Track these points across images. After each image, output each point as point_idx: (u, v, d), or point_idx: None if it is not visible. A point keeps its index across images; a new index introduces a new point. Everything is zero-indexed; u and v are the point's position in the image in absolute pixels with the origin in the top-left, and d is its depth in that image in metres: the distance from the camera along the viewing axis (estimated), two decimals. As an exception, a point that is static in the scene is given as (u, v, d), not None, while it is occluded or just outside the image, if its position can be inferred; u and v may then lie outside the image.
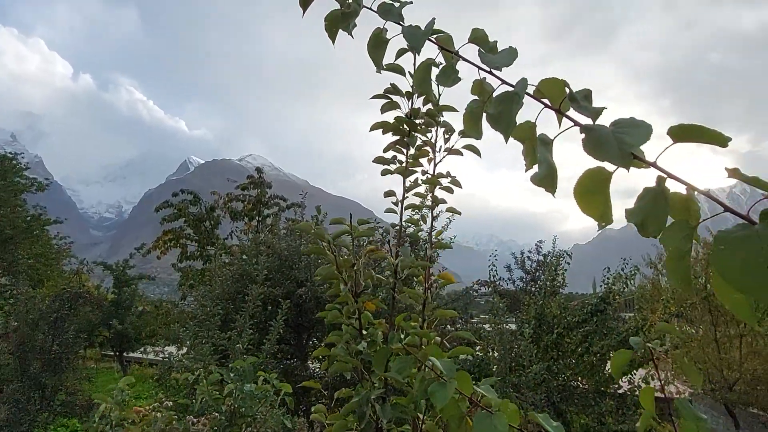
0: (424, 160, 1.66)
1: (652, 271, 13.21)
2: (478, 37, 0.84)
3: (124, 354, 16.88)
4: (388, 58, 1.02)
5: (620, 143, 0.68)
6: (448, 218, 9.13)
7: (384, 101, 1.49)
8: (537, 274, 9.28)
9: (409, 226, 1.66)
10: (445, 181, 1.63)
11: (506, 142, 0.72)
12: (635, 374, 7.72)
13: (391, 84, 1.42)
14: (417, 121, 1.53)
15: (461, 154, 1.60)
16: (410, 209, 1.63)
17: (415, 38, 0.81)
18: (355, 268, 1.46)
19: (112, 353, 17.35)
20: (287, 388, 2.59)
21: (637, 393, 7.63)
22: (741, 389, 10.99)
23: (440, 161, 1.65)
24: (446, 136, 1.59)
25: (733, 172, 0.66)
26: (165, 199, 16.12)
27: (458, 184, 1.66)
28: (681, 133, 0.69)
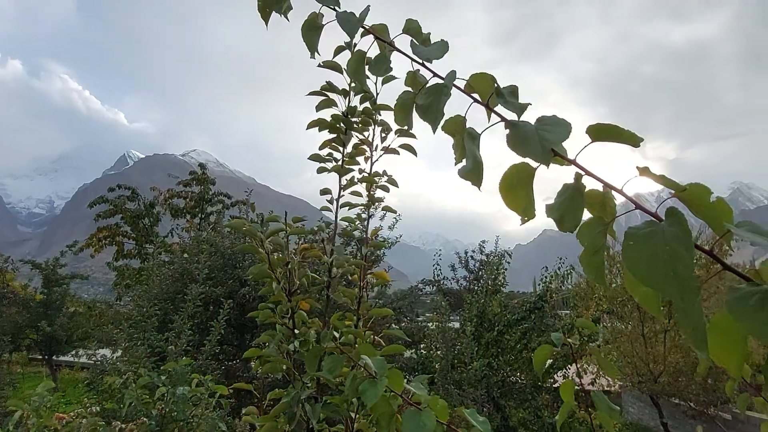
0: (362, 159, 1.64)
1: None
2: (411, 28, 0.83)
3: (54, 358, 15.89)
4: (328, 56, 0.99)
5: (542, 140, 0.69)
6: (395, 218, 9.18)
7: (321, 98, 1.46)
8: (480, 273, 9.49)
9: (347, 225, 1.64)
10: (381, 180, 1.62)
11: (434, 133, 0.72)
12: (569, 369, 8.05)
13: (327, 81, 1.40)
14: (354, 120, 1.51)
15: (398, 153, 1.59)
16: (346, 207, 1.61)
17: (349, 24, 0.79)
18: (289, 266, 1.43)
19: (41, 357, 16.31)
20: (223, 390, 2.50)
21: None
22: (665, 381, 11.69)
23: (377, 160, 1.64)
24: (383, 135, 1.59)
25: (643, 171, 0.68)
26: (101, 195, 15.30)
27: (395, 183, 1.65)
28: (598, 133, 0.71)
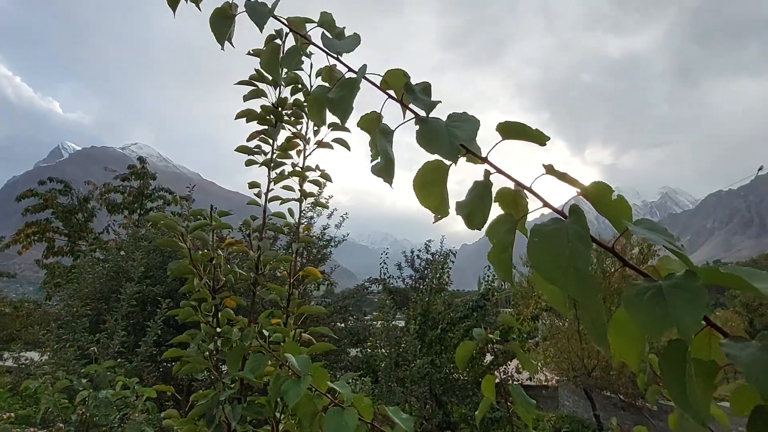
0: (297, 153, 1.61)
1: (528, 270, 14.31)
2: (325, 21, 0.81)
3: (-25, 361, 14.78)
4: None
5: (451, 137, 0.69)
6: (342, 216, 9.13)
7: (250, 88, 1.42)
8: (425, 272, 9.61)
9: (275, 221, 1.60)
10: (314, 175, 1.60)
11: (342, 125, 0.70)
12: (509, 365, 8.31)
13: (255, 70, 1.36)
14: (285, 112, 1.47)
15: (331, 147, 1.57)
16: (277, 201, 1.57)
17: (257, 15, 0.76)
18: (213, 262, 1.38)
19: (-40, 360, 15.13)
20: (150, 393, 2.39)
21: (510, 382, 8.21)
22: (597, 375, 12.28)
23: (310, 154, 1.61)
24: (315, 129, 1.56)
25: (549, 168, 0.69)
26: (31, 188, 14.35)
27: (328, 178, 1.63)
28: (507, 131, 0.72)
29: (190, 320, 1.37)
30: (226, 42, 0.88)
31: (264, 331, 1.39)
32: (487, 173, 0.72)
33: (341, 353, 9.04)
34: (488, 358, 8.57)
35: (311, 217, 9.55)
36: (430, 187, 0.76)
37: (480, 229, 0.72)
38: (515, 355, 8.49)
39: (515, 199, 0.77)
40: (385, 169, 0.74)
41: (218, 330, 1.30)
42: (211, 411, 1.18)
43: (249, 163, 1.45)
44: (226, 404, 1.20)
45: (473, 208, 0.71)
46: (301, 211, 1.59)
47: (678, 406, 0.67)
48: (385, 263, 10.61)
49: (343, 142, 1.52)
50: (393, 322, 8.02)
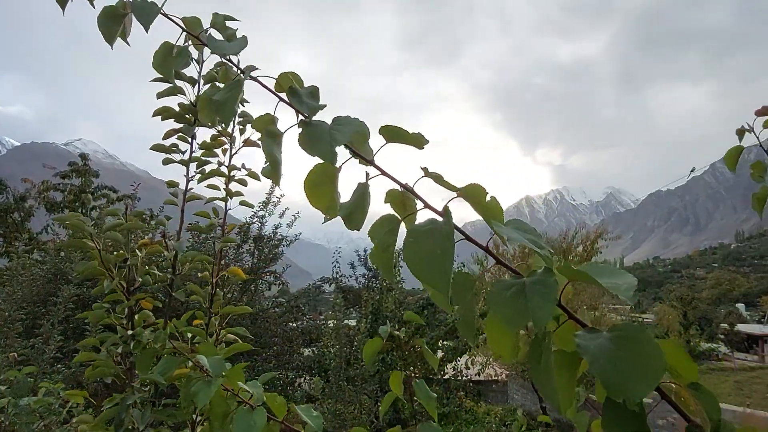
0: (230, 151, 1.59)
1: (478, 267, 14.61)
2: (216, 23, 0.81)
3: None
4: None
5: (332, 140, 0.71)
6: (294, 215, 9.04)
7: (168, 86, 1.40)
8: (378, 270, 9.63)
9: (197, 221, 1.58)
10: (239, 174, 1.59)
11: (226, 128, 0.71)
12: (459, 361, 8.47)
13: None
14: (205, 110, 1.46)
15: (258, 145, 1.56)
16: (201, 200, 1.55)
17: (144, 14, 0.75)
18: (128, 262, 1.35)
19: None
20: (78, 399, 2.30)
21: (458, 378, 8.39)
22: (545, 369, 12.66)
23: (236, 152, 1.60)
24: (241, 127, 1.55)
25: (426, 171, 0.72)
26: (-39, 186, 13.49)
27: (256, 177, 1.62)
28: (388, 134, 0.74)
29: (104, 323, 1.34)
30: (123, 41, 0.87)
31: (189, 333, 1.38)
32: (368, 176, 0.74)
33: (293, 353, 8.96)
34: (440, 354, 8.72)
35: (263, 216, 9.41)
36: (320, 187, 0.77)
37: (359, 230, 0.74)
38: (464, 352, 8.66)
39: (403, 200, 0.80)
40: (271, 171, 0.75)
41: (131, 333, 1.28)
42: (120, 415, 1.16)
43: (166, 161, 1.43)
44: (136, 408, 1.18)
45: (353, 209, 0.73)
46: (226, 211, 1.58)
47: (543, 396, 0.71)
48: (338, 262, 10.60)
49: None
50: (345, 321, 8.02)
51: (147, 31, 0.76)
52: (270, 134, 0.76)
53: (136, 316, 1.36)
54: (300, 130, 0.71)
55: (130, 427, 1.21)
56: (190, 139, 1.44)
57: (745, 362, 23.69)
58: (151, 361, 1.22)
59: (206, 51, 1.04)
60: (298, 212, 9.24)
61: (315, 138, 0.70)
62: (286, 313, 9.47)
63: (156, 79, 1.39)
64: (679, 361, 0.59)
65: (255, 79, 0.76)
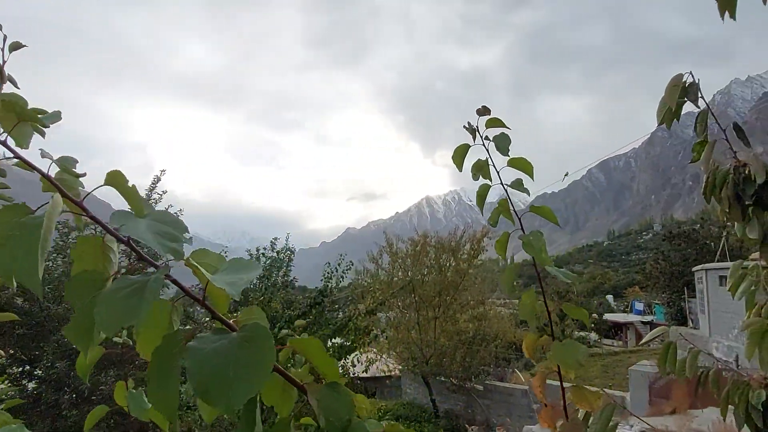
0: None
1: (373, 266, 14.86)
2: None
3: None
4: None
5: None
6: (176, 212, 8.59)
7: None
8: (270, 270, 9.45)
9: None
10: None
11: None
12: (348, 358, 8.57)
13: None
14: None
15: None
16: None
17: None
18: None
19: None
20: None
21: (345, 375, 8.47)
22: (433, 362, 13.24)
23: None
24: None
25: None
26: None
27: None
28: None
29: None
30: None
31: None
32: None
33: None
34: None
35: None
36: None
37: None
38: (352, 350, 8.76)
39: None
40: None
41: None
42: None
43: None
44: None
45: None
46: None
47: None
48: (226, 261, 10.20)
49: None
50: (231, 323, 7.73)
51: None
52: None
53: None
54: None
55: None
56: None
57: (611, 348, 26.45)
58: None
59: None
60: (180, 209, 8.75)
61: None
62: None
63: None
64: (321, 362, 0.63)
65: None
